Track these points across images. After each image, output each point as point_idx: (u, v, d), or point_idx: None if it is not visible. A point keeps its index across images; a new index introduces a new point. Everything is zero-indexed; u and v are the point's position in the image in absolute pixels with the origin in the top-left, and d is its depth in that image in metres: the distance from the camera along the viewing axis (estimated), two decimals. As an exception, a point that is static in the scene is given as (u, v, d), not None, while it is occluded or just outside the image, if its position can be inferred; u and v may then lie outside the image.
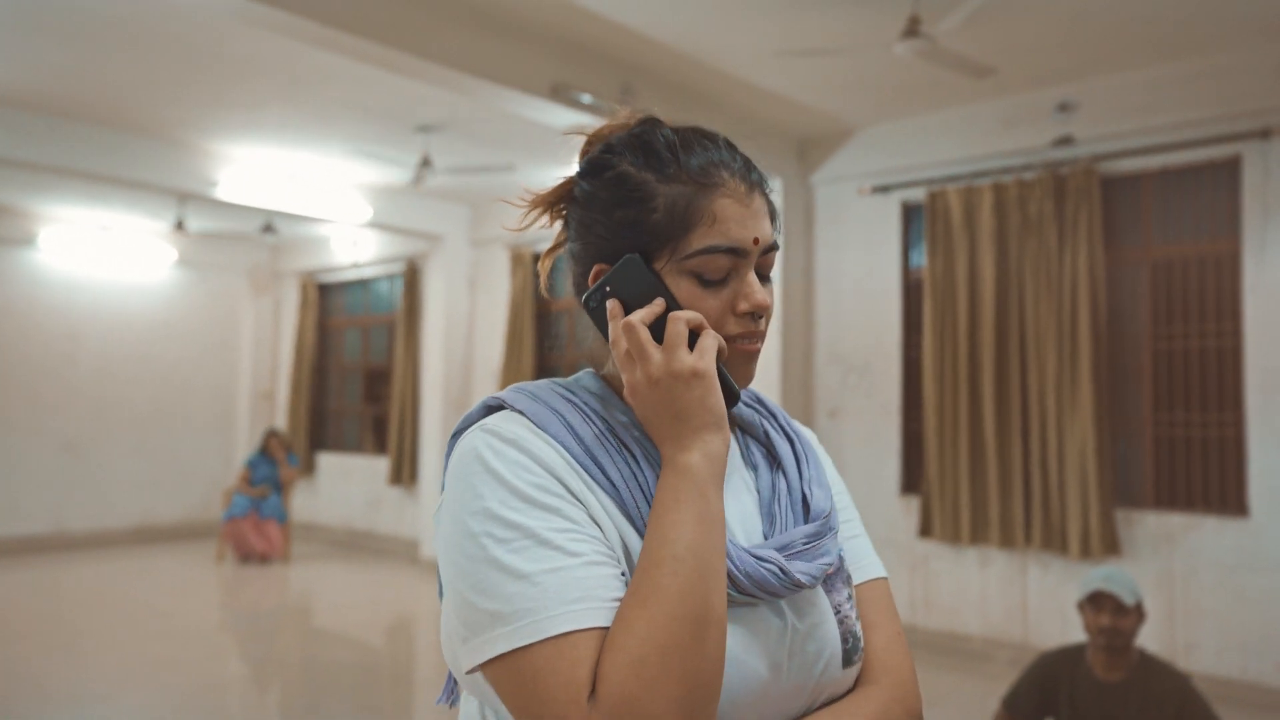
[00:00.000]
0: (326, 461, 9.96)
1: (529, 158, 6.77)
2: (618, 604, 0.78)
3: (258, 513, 8.38)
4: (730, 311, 0.89)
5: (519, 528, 0.79)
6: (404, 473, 8.87)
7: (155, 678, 5.01)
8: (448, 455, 0.90)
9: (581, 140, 0.98)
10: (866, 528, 1.08)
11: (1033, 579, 5.35)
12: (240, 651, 6.03)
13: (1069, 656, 2.96)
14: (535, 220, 0.99)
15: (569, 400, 0.91)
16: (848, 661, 0.90)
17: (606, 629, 0.76)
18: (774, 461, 0.99)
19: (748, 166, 0.92)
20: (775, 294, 0.96)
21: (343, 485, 9.72)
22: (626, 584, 0.80)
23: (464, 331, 8.58)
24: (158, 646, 5.58)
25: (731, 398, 0.89)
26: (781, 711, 0.85)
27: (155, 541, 9.37)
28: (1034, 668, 3.01)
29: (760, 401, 1.05)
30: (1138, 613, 2.84)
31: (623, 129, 0.95)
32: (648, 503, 0.85)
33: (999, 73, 5.05)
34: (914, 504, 5.82)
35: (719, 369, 0.88)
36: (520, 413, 0.88)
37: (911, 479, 5.95)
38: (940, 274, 5.67)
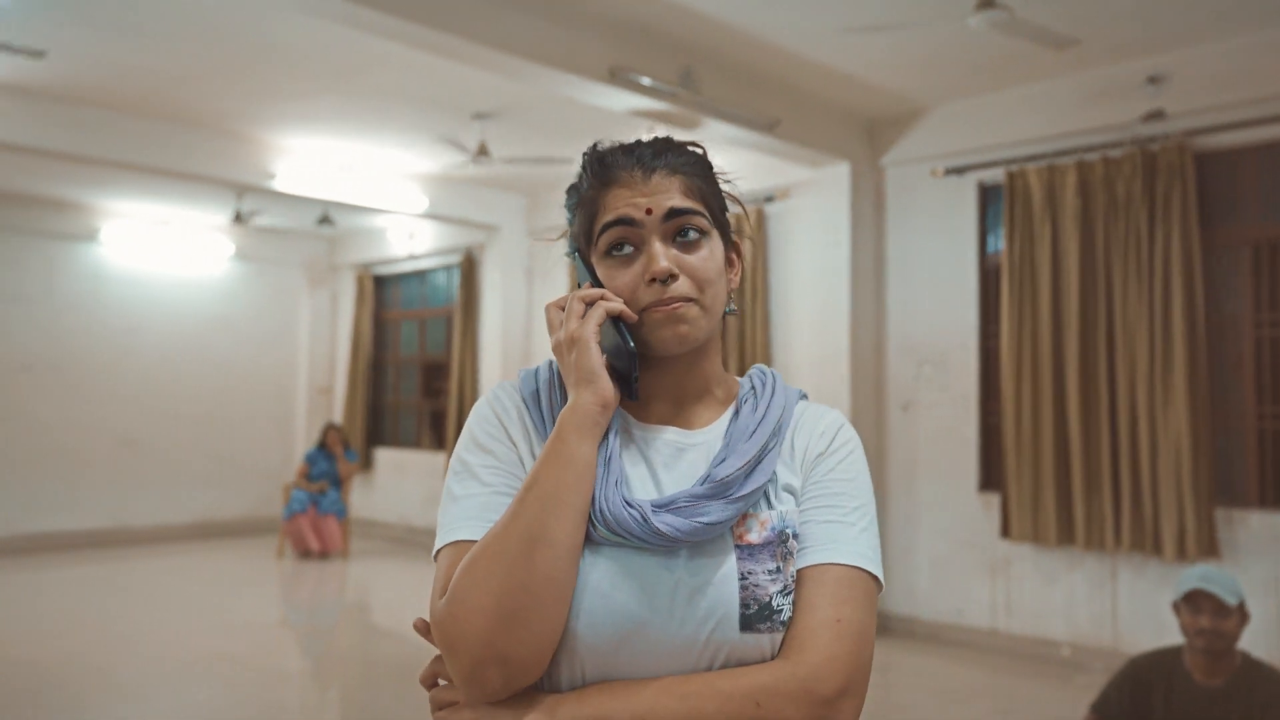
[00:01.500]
0: (384, 457, 9.93)
1: (587, 144, 6.60)
2: None
3: (316, 508, 8.35)
4: (643, 281, 1.01)
5: (466, 464, 1.04)
6: (461, 467, 8.78)
7: (215, 671, 5.01)
8: None
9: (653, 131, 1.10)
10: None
11: (1123, 583, 5.05)
12: (299, 647, 6.00)
13: (1164, 660, 2.83)
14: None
15: (552, 369, 1.09)
16: (747, 626, 0.95)
17: None
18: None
19: (654, 157, 1.04)
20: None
21: (400, 481, 9.68)
22: None
23: (522, 323, 8.45)
24: (218, 641, 5.57)
25: (629, 357, 1.00)
26: (675, 661, 0.94)
27: (216, 537, 9.42)
28: (1126, 672, 2.88)
29: (764, 384, 1.11)
30: (1240, 613, 2.70)
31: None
32: None
33: (1082, 44, 4.76)
34: (994, 502, 5.54)
35: (620, 330, 1.00)
36: (517, 380, 1.11)
37: (991, 476, 5.67)
38: (1020, 259, 5.39)
